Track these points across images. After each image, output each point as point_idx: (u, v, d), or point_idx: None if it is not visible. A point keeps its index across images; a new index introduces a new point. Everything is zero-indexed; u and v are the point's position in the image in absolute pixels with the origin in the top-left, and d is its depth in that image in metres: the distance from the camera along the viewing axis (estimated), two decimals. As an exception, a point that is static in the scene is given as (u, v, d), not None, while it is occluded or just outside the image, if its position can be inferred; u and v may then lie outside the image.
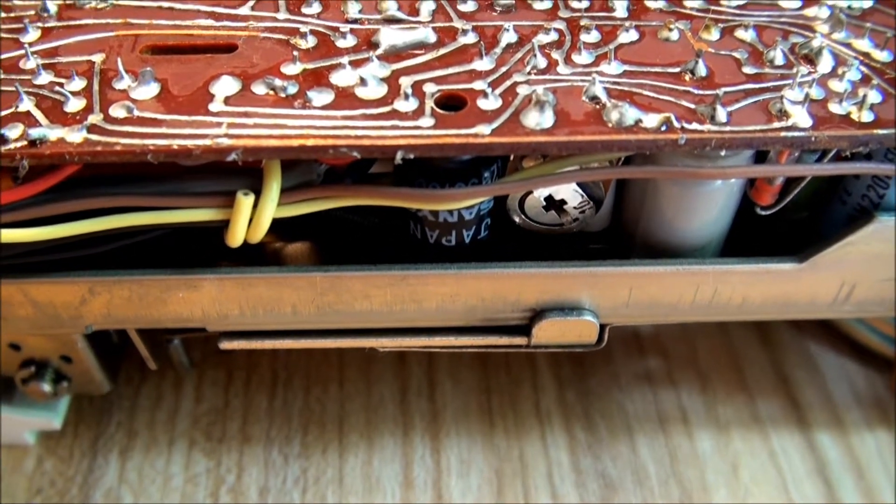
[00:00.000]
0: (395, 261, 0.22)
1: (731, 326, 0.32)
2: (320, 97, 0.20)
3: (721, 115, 0.19)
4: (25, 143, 0.19)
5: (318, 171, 0.21)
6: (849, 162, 0.21)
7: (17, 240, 0.20)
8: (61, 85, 0.20)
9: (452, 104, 0.20)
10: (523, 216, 0.23)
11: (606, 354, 0.31)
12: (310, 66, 0.21)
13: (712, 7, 0.23)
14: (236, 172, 0.20)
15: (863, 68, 0.21)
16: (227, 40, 0.22)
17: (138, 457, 0.28)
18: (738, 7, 0.23)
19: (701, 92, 0.20)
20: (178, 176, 0.20)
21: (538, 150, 0.20)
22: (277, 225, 0.21)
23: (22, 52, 0.21)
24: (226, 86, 0.20)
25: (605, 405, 0.30)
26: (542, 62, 0.21)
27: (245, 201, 0.20)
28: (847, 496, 0.27)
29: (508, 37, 0.22)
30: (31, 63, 0.21)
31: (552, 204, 0.22)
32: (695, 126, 0.19)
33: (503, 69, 0.21)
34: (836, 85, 0.21)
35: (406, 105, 0.20)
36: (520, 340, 0.24)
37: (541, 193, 0.22)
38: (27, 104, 0.19)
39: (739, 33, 0.22)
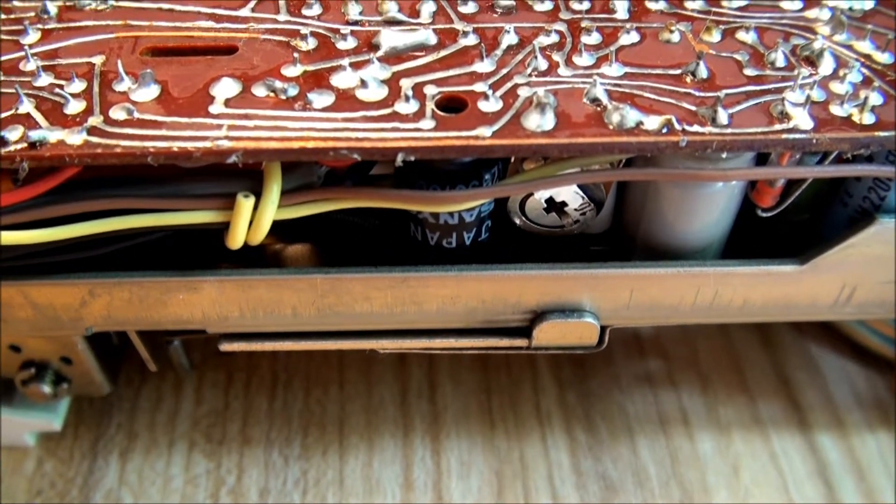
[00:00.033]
0: (396, 263, 0.22)
1: (732, 328, 0.32)
2: (321, 99, 0.20)
3: (722, 117, 0.19)
4: (25, 145, 0.19)
5: (319, 173, 0.21)
6: (850, 164, 0.21)
7: (17, 242, 0.20)
8: (61, 87, 0.20)
9: (453, 106, 0.20)
10: (524, 218, 0.23)
11: (607, 356, 0.31)
12: (310, 67, 0.21)
13: (713, 9, 0.23)
14: (237, 174, 0.20)
15: (864, 70, 0.21)
16: (228, 42, 0.21)
17: (138, 458, 0.28)
18: (739, 9, 0.23)
19: (702, 94, 0.20)
20: (179, 178, 0.20)
21: (539, 153, 0.20)
22: (278, 227, 0.21)
23: (22, 53, 0.21)
24: (226, 88, 0.20)
25: (606, 406, 0.29)
26: (542, 64, 0.21)
27: (245, 203, 0.20)
28: (848, 498, 0.27)
29: (509, 38, 0.22)
30: (31, 65, 0.21)
31: (553, 206, 0.22)
32: (696, 128, 0.19)
33: (504, 71, 0.21)
34: (837, 87, 0.21)
35: (407, 107, 0.20)
36: (520, 342, 0.24)
37: (542, 195, 0.22)
38: (27, 106, 0.19)
39: (740, 35, 0.22)
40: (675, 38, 0.22)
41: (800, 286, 0.23)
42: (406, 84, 0.20)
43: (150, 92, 0.20)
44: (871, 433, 0.29)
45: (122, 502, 0.27)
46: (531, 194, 0.22)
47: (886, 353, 0.29)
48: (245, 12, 0.22)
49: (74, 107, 0.19)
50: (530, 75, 0.21)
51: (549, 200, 0.22)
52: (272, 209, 0.20)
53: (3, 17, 0.22)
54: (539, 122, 0.19)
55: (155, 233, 0.21)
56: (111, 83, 0.20)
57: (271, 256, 0.24)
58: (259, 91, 0.20)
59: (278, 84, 0.20)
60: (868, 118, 0.20)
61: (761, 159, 0.21)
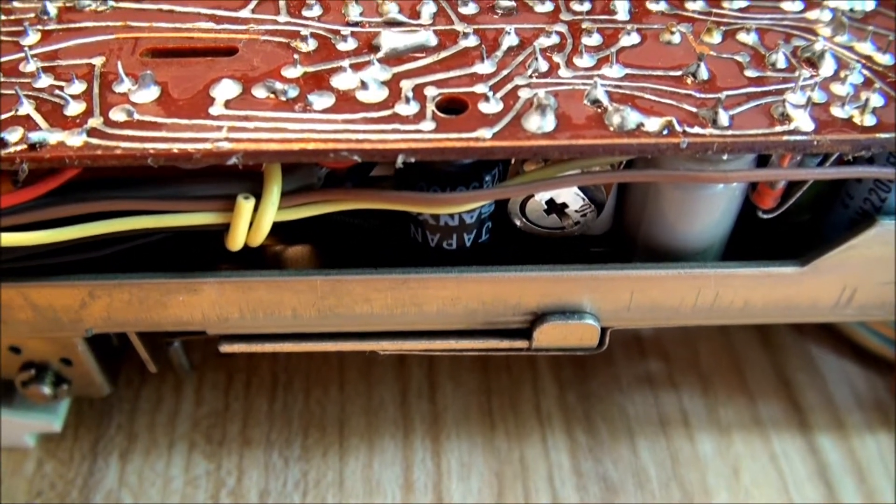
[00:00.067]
0: (396, 264, 0.22)
1: (732, 329, 0.32)
2: (321, 100, 0.20)
3: (723, 118, 0.19)
4: (25, 146, 0.19)
5: (319, 174, 0.21)
6: (851, 166, 0.21)
7: (17, 243, 0.20)
8: (61, 88, 0.20)
9: (454, 108, 0.20)
10: (524, 220, 0.23)
11: (607, 357, 0.31)
12: (310, 69, 0.21)
13: (714, 10, 0.23)
14: (237, 176, 0.20)
15: (865, 72, 0.21)
16: (228, 43, 0.21)
17: (138, 459, 0.28)
18: (740, 10, 0.23)
19: (703, 95, 0.20)
20: (179, 179, 0.20)
21: (540, 154, 0.19)
22: (278, 228, 0.21)
23: (22, 55, 0.21)
24: (226, 89, 0.20)
25: (606, 408, 0.29)
26: (543, 65, 0.21)
27: (245, 205, 0.20)
28: (848, 499, 0.27)
29: (510, 40, 0.22)
30: (30, 66, 0.20)
31: (553, 207, 0.22)
32: (697, 130, 0.19)
33: (504, 72, 0.21)
34: (838, 88, 0.20)
35: (407, 109, 0.20)
36: (521, 344, 0.24)
37: (542, 197, 0.22)
38: (27, 107, 0.19)
39: (741, 36, 0.22)
40: (676, 39, 0.22)
41: (800, 288, 0.23)
42: (406, 85, 0.20)
43: (151, 93, 0.20)
44: (871, 434, 0.29)
45: (122, 503, 0.27)
46: (532, 196, 0.22)
47: (887, 354, 0.29)
48: (245, 13, 0.22)
49: (74, 108, 0.19)
50: (531, 77, 0.21)
51: (550, 202, 0.22)
52: (272, 211, 0.20)
53: (3, 18, 0.22)
54: (539, 123, 0.19)
55: (155, 234, 0.21)
56: (111, 84, 0.20)
57: (271, 258, 0.24)
58: (259, 92, 0.20)
59: (278, 85, 0.20)
60: (869, 120, 0.20)
61: (762, 161, 0.21)
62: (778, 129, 0.19)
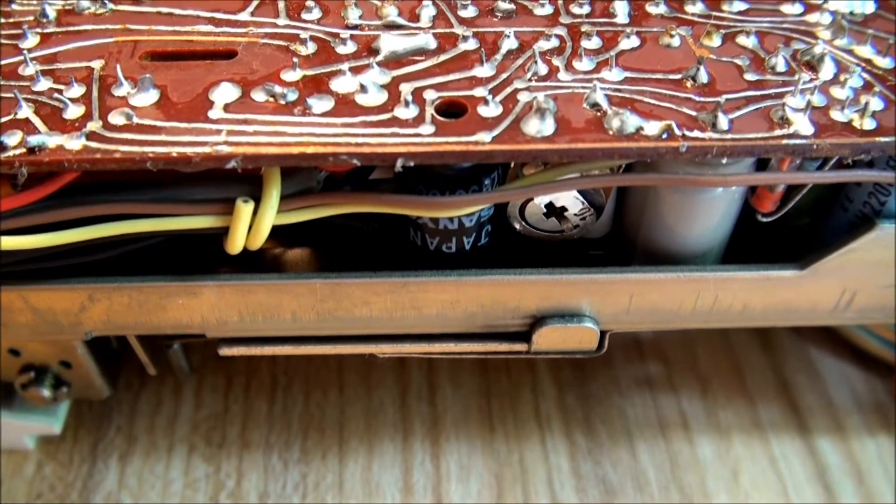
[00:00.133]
0: (396, 267, 0.22)
1: (732, 331, 0.32)
2: (320, 104, 0.20)
3: (722, 122, 0.19)
4: (24, 150, 0.19)
5: (318, 178, 0.21)
6: (850, 170, 0.21)
7: (16, 247, 0.20)
8: (60, 91, 0.20)
9: (453, 111, 0.20)
10: (524, 223, 0.23)
11: (607, 359, 0.31)
12: (310, 72, 0.21)
13: (714, 13, 0.23)
14: (236, 179, 0.20)
15: (865, 75, 0.21)
16: (227, 46, 0.21)
17: (138, 462, 0.28)
18: (740, 13, 0.23)
19: (702, 99, 0.20)
20: (178, 183, 0.20)
21: (539, 158, 0.19)
22: (277, 231, 0.21)
23: (21, 58, 0.21)
24: (225, 92, 0.20)
25: (606, 410, 0.29)
26: (542, 69, 0.21)
27: (245, 208, 0.20)
28: (847, 501, 0.27)
29: (509, 43, 0.22)
30: (29, 69, 0.20)
31: (553, 211, 0.22)
32: (696, 134, 0.19)
33: (504, 76, 0.21)
34: (837, 92, 0.20)
35: (406, 112, 0.20)
36: (520, 347, 0.24)
37: (541, 200, 0.22)
38: (26, 111, 0.19)
39: (741, 40, 0.22)
40: (676, 42, 0.22)
41: (800, 291, 0.23)
42: (406, 89, 0.20)
43: (150, 97, 0.20)
44: (870, 437, 0.29)
45: (122, 505, 0.27)
46: (531, 199, 0.22)
47: (886, 356, 0.29)
48: (244, 16, 0.22)
49: (73, 112, 0.19)
50: (530, 80, 0.21)
51: (549, 205, 0.22)
52: (271, 214, 0.20)
53: (2, 21, 0.22)
54: (539, 127, 0.19)
55: (154, 238, 0.21)
56: (110, 88, 0.20)
57: (271, 260, 0.24)
58: (258, 96, 0.20)
59: (278, 89, 0.20)
60: (869, 123, 0.20)
61: (761, 164, 0.21)
62: (777, 132, 0.19)
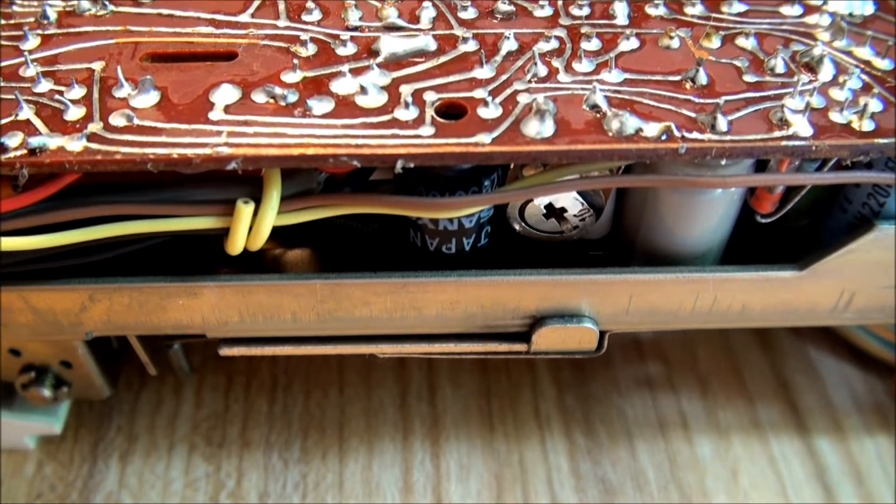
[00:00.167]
0: (396, 268, 0.22)
1: (731, 331, 0.32)
2: (320, 105, 0.20)
3: (722, 123, 0.19)
4: (25, 151, 0.19)
5: (319, 179, 0.21)
6: (849, 171, 0.21)
7: (17, 248, 0.20)
8: (61, 93, 0.20)
9: (453, 112, 0.20)
10: (523, 224, 0.23)
11: (606, 359, 0.31)
12: (310, 74, 0.21)
13: (713, 15, 0.23)
14: (236, 181, 0.20)
15: (864, 77, 0.21)
16: (227, 48, 0.22)
17: (138, 461, 0.28)
18: (739, 15, 0.23)
19: (701, 100, 0.20)
20: (179, 184, 0.20)
21: (538, 160, 0.20)
22: (277, 231, 0.21)
23: (22, 59, 0.21)
24: (226, 94, 0.20)
25: (605, 410, 0.30)
26: (542, 70, 0.21)
27: (245, 209, 0.20)
28: (846, 501, 0.27)
29: (509, 45, 0.22)
30: (30, 71, 0.21)
31: (552, 212, 0.22)
32: (695, 135, 0.19)
33: (503, 77, 0.21)
34: (836, 93, 0.21)
35: (406, 114, 0.20)
36: (519, 347, 0.24)
37: (541, 201, 0.22)
38: (27, 112, 0.19)
39: (740, 41, 0.22)
40: (675, 44, 0.22)
41: (799, 292, 0.23)
42: (406, 90, 0.20)
43: (150, 98, 0.20)
44: (869, 437, 0.29)
45: (122, 505, 0.27)
46: (531, 200, 0.22)
47: (886, 356, 0.29)
48: (245, 18, 0.22)
49: (74, 113, 0.20)
50: (530, 81, 0.21)
51: (549, 206, 0.22)
52: (272, 215, 0.20)
53: (3, 22, 0.22)
54: (538, 128, 0.19)
55: (155, 238, 0.21)
56: (111, 89, 0.20)
57: (271, 261, 0.24)
58: (259, 97, 0.20)
59: (278, 90, 0.20)
60: (867, 125, 0.20)
61: (760, 165, 0.21)
62: (776, 134, 0.19)
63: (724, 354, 0.31)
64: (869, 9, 0.23)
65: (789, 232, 0.24)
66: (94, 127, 0.19)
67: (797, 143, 0.19)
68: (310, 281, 0.22)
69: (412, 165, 0.19)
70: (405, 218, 0.22)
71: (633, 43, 0.22)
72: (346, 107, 0.20)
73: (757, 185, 0.22)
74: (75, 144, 0.19)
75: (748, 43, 0.22)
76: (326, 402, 0.30)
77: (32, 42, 0.22)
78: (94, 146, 0.19)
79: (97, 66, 0.21)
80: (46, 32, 0.22)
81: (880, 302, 0.23)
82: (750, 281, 0.23)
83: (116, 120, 0.19)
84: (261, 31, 0.22)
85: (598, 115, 0.20)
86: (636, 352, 0.31)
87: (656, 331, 0.31)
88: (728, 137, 0.19)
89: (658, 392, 0.30)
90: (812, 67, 0.21)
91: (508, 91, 0.20)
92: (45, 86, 0.20)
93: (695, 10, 0.23)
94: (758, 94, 0.20)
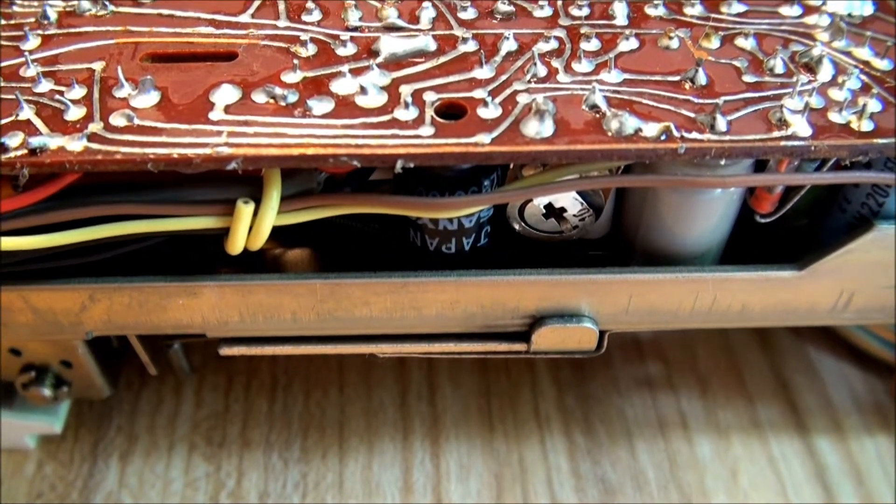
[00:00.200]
0: (395, 268, 0.22)
1: (731, 331, 0.32)
2: (320, 106, 0.20)
3: (721, 124, 0.19)
4: (26, 151, 0.19)
5: (319, 179, 0.21)
6: (848, 171, 0.21)
7: (17, 247, 0.20)
8: (61, 93, 0.20)
9: (452, 113, 0.20)
10: (523, 224, 0.23)
11: (606, 359, 0.31)
12: (310, 74, 0.21)
13: (712, 15, 0.23)
14: (236, 181, 0.20)
15: (863, 77, 0.21)
16: (228, 48, 0.22)
17: (138, 461, 0.28)
18: (739, 15, 0.23)
19: (701, 101, 0.20)
20: (179, 184, 0.20)
21: (538, 160, 0.20)
22: (277, 231, 0.21)
23: (22, 59, 0.21)
24: (226, 94, 0.20)
25: (605, 410, 0.30)
26: (542, 70, 0.21)
27: (245, 209, 0.20)
28: (846, 501, 0.27)
29: (508, 45, 0.22)
30: (31, 71, 0.21)
31: (552, 212, 0.22)
32: (694, 135, 0.19)
33: (503, 77, 0.21)
34: (836, 94, 0.21)
35: (406, 114, 0.20)
36: (519, 347, 0.24)
37: (540, 201, 0.22)
38: (27, 112, 0.19)
39: (740, 42, 0.22)
40: (675, 44, 0.22)
41: (798, 292, 0.23)
42: (405, 90, 0.20)
43: (150, 98, 0.20)
44: (869, 437, 0.29)
45: (122, 505, 0.27)
46: (530, 200, 0.22)
47: (885, 356, 0.29)
48: (245, 18, 0.22)
49: (74, 113, 0.20)
50: (529, 82, 0.21)
51: (548, 206, 0.22)
52: (272, 215, 0.20)
53: (4, 22, 0.22)
54: (538, 128, 0.19)
55: (155, 238, 0.21)
56: (111, 89, 0.20)
57: (271, 261, 0.24)
58: (259, 97, 0.20)
59: (278, 90, 0.20)
60: (866, 125, 0.20)
61: (760, 165, 0.21)
62: (776, 134, 0.20)
63: (724, 354, 0.31)
64: (868, 9, 0.23)
65: (789, 232, 0.24)
66: (95, 127, 0.19)
67: (796, 143, 0.19)
68: (310, 281, 0.22)
69: (412, 165, 0.19)
70: (405, 218, 0.22)
71: (633, 43, 0.22)
72: (346, 107, 0.20)
73: (756, 185, 0.22)
74: (76, 144, 0.19)
75: (747, 43, 0.22)
76: (326, 401, 0.30)
77: (33, 42, 0.22)
78: (95, 146, 0.19)
79: (97, 66, 0.21)
80: (47, 32, 0.22)
81: (880, 302, 0.23)
82: (749, 281, 0.23)
83: (117, 120, 0.19)
84: (261, 32, 0.22)
85: (598, 116, 0.20)
86: (636, 351, 0.31)
87: (656, 330, 0.31)
88: (727, 137, 0.19)
89: (658, 392, 0.30)
90: (811, 68, 0.21)
91: (508, 91, 0.20)
92: (45, 86, 0.20)
93: (694, 10, 0.23)
94: (757, 95, 0.20)
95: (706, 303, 0.23)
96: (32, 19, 0.22)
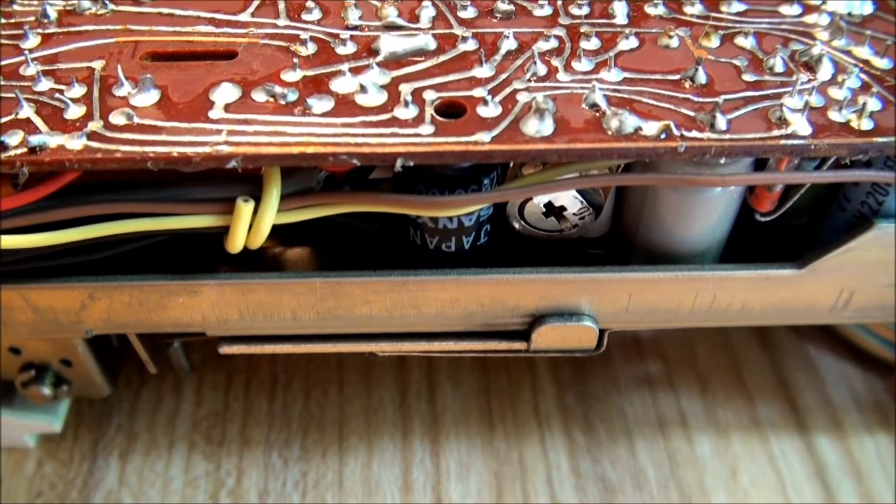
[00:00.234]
0: (395, 266, 0.22)
1: (731, 330, 0.32)
2: (320, 104, 0.20)
3: (721, 122, 0.19)
4: (25, 150, 0.19)
5: (318, 177, 0.21)
6: (848, 169, 0.21)
7: (17, 246, 0.20)
8: (61, 92, 0.20)
9: (452, 111, 0.20)
10: (523, 222, 0.23)
11: (606, 358, 0.31)
12: (310, 72, 0.21)
13: (712, 14, 0.23)
14: (236, 179, 0.20)
15: (863, 76, 0.21)
16: (227, 47, 0.22)
17: (138, 460, 0.28)
18: (739, 14, 0.23)
19: (701, 99, 0.20)
20: (178, 182, 0.20)
21: (538, 158, 0.20)
22: (277, 229, 0.21)
23: (22, 58, 0.21)
24: (226, 93, 0.20)
25: (605, 408, 0.30)
26: (541, 69, 0.21)
27: (245, 208, 0.20)
28: (846, 500, 0.27)
29: (508, 44, 0.22)
30: (31, 69, 0.21)
31: (552, 210, 0.22)
32: (694, 134, 0.19)
33: (503, 76, 0.21)
34: (835, 92, 0.21)
35: (406, 112, 0.20)
36: (519, 345, 0.24)
37: (540, 200, 0.22)
38: (27, 111, 0.19)
39: (739, 40, 0.22)
40: (674, 43, 0.22)
41: (798, 290, 0.23)
42: (405, 89, 0.20)
43: (150, 97, 0.20)
44: (869, 436, 0.29)
45: (122, 503, 0.27)
46: (530, 199, 0.22)
47: (885, 355, 0.29)
48: (245, 17, 0.22)
49: (74, 112, 0.20)
50: (529, 80, 0.21)
51: (548, 205, 0.22)
52: (271, 214, 0.20)
53: (4, 21, 0.22)
54: (538, 127, 0.19)
55: (155, 237, 0.21)
56: (111, 88, 0.20)
57: (271, 259, 0.24)
58: (259, 96, 0.20)
59: (278, 89, 0.20)
60: (866, 124, 0.20)
61: (760, 164, 0.21)
62: (775, 132, 0.20)
63: (724, 353, 0.31)
64: (868, 8, 0.23)
65: (788, 230, 0.24)
66: (95, 125, 0.19)
67: (796, 141, 0.19)
68: (309, 279, 0.22)
69: (412, 164, 0.19)
70: (405, 216, 0.22)
71: (633, 42, 0.22)
72: (345, 105, 0.20)
73: (756, 184, 0.22)
74: (75, 143, 0.19)
75: (747, 42, 0.22)
76: (326, 400, 0.30)
77: (33, 41, 0.22)
78: (95, 144, 0.19)
79: (97, 64, 0.21)
80: (47, 31, 0.22)
81: (880, 300, 0.23)
82: (749, 279, 0.23)
83: (116, 118, 0.19)
84: (261, 31, 0.22)
85: (598, 114, 0.20)
86: (636, 350, 0.31)
87: (656, 329, 0.31)
88: (727, 136, 0.19)
89: (658, 390, 0.30)
90: (811, 66, 0.21)
91: (508, 90, 0.20)
92: (45, 84, 0.20)
93: (694, 9, 0.23)
94: (757, 93, 0.21)
95: (706, 301, 0.23)
96: (32, 18, 0.22)
